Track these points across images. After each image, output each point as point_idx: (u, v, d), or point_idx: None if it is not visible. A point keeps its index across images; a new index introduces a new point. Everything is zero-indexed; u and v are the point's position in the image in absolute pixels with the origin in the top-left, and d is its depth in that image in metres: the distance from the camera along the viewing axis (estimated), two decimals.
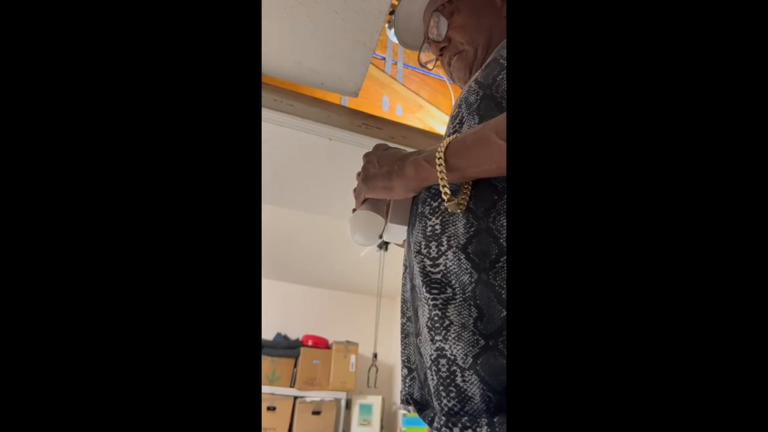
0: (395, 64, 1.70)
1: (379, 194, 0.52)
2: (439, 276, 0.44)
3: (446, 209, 0.46)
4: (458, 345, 0.40)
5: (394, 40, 1.21)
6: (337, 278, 3.14)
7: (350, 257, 2.71)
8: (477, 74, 0.55)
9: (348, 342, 2.95)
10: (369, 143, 1.06)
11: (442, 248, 0.45)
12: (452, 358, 0.40)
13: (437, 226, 0.46)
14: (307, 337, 2.94)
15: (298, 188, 1.27)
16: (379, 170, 0.51)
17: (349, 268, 2.91)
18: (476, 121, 0.50)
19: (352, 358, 2.92)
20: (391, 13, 1.28)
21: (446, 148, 0.45)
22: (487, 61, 0.55)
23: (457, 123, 0.53)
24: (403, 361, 0.52)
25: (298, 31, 0.85)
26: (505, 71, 0.50)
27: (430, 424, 0.42)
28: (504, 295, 0.40)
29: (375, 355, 2.43)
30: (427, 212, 0.48)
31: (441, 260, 0.44)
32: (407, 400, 0.50)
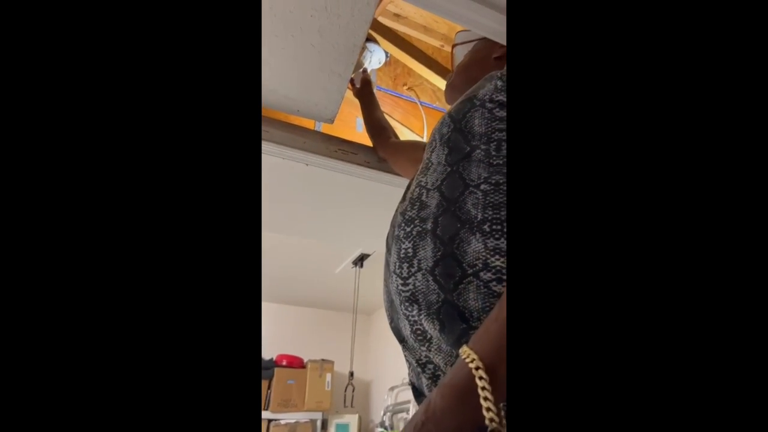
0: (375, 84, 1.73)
1: None
2: (408, 294, 0.48)
3: (418, 234, 0.50)
4: (439, 355, 0.45)
5: (370, 65, 1.25)
6: (312, 295, 3.11)
7: (325, 274, 2.70)
8: (452, 108, 0.59)
9: (323, 360, 2.91)
10: (346, 168, 1.08)
11: (413, 269, 0.48)
12: (437, 365, 0.46)
13: (410, 250, 0.50)
14: (281, 356, 2.88)
15: (274, 211, 1.27)
16: None
17: (324, 285, 2.89)
18: (446, 152, 0.54)
19: (328, 376, 2.89)
20: (368, 40, 1.31)
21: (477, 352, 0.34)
22: (461, 98, 0.59)
23: (429, 151, 0.57)
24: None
25: (274, 62, 0.87)
26: (474, 109, 0.54)
27: None
28: (466, 314, 0.44)
29: (351, 374, 2.41)
30: (401, 236, 0.52)
31: (410, 280, 0.48)
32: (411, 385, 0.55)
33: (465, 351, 0.35)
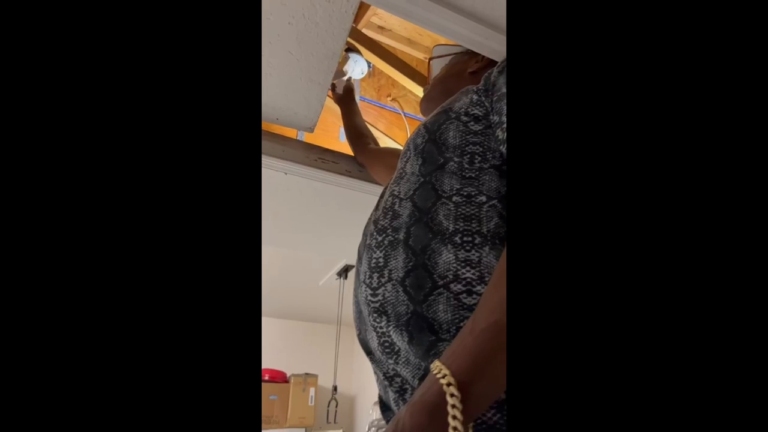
0: (358, 94, 1.74)
1: None
2: (377, 305, 0.47)
3: (390, 243, 0.49)
4: (407, 368, 0.44)
5: (353, 75, 1.25)
6: (296, 308, 3.07)
7: (309, 286, 2.66)
8: (427, 119, 0.58)
9: (307, 374, 2.85)
10: (326, 177, 1.07)
11: (383, 279, 0.47)
12: (405, 378, 0.45)
13: (381, 259, 0.49)
14: (264, 370, 2.82)
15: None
16: None
17: (308, 297, 2.84)
18: (420, 162, 0.53)
19: (311, 391, 2.82)
20: (348, 50, 1.32)
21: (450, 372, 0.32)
22: (437, 110, 0.58)
23: (404, 161, 0.57)
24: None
25: None
26: (449, 121, 0.54)
27: None
28: (435, 326, 0.42)
29: (335, 388, 2.36)
30: (373, 245, 0.51)
31: (380, 290, 0.47)
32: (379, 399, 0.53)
33: (437, 366, 0.33)
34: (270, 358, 2.96)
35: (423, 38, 1.85)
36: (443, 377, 0.32)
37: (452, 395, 0.31)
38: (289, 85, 0.91)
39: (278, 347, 3.10)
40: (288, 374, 2.87)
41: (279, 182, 1.07)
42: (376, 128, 1.72)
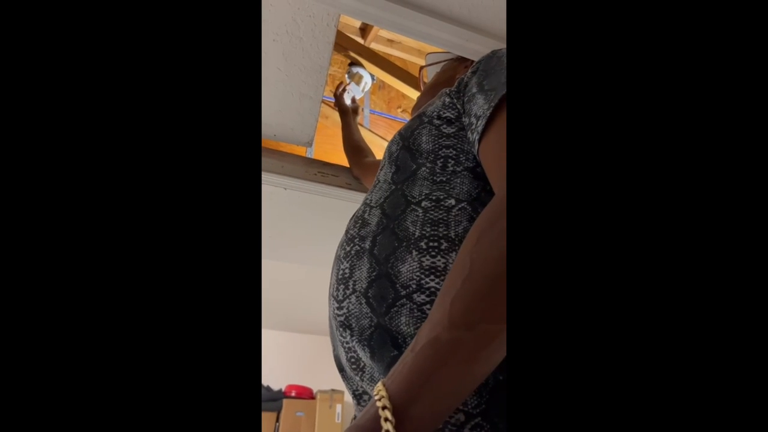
0: (362, 110, 1.75)
1: None
2: (342, 319, 0.45)
3: (356, 253, 0.46)
4: (372, 386, 0.42)
5: (358, 95, 1.24)
6: (318, 323, 3.07)
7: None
8: (403, 126, 0.57)
9: (333, 390, 2.83)
10: (326, 191, 1.07)
11: (348, 291, 0.45)
12: (372, 396, 0.42)
13: (347, 270, 0.47)
14: (291, 387, 2.82)
15: (263, 238, 1.26)
16: None
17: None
18: (393, 170, 0.52)
19: (338, 407, 2.80)
20: (351, 64, 1.33)
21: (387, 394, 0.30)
22: (413, 116, 0.57)
23: (380, 170, 0.55)
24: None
25: None
26: (422, 126, 0.52)
27: None
28: (399, 339, 0.40)
29: None
30: (341, 255, 0.49)
31: (345, 303, 0.45)
32: None
33: (377, 388, 0.31)
34: (296, 374, 2.97)
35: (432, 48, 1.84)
36: (379, 399, 0.30)
37: (386, 419, 0.28)
38: (281, 101, 0.92)
39: (304, 362, 3.10)
40: (314, 390, 2.86)
41: (281, 198, 1.08)
42: (386, 140, 1.71)
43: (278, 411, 2.68)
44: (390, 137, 1.86)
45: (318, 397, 2.79)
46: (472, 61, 0.75)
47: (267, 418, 2.64)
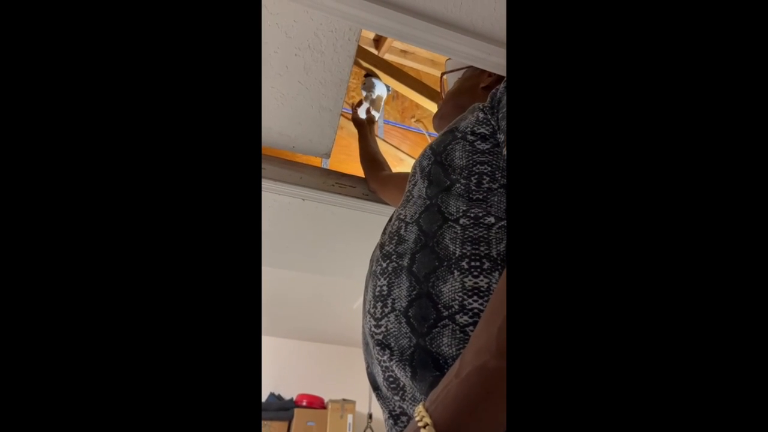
0: (376, 120, 1.76)
1: None
2: (380, 337, 0.44)
3: (393, 270, 0.46)
4: (413, 406, 0.41)
5: (373, 98, 1.26)
6: (331, 332, 3.06)
7: (343, 309, 2.65)
8: (434, 140, 0.57)
9: (344, 400, 2.81)
10: (344, 202, 1.07)
11: (386, 309, 0.45)
12: (412, 416, 0.41)
13: (384, 287, 0.46)
14: (302, 396, 2.81)
15: (279, 248, 1.27)
16: None
17: (342, 321, 2.84)
18: (426, 185, 0.51)
19: (349, 417, 2.78)
20: (367, 75, 1.34)
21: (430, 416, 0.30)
22: (444, 129, 0.57)
23: (411, 184, 0.55)
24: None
25: (266, 100, 0.89)
26: (455, 141, 0.52)
27: None
28: (440, 360, 0.39)
29: (370, 416, 2.31)
30: (378, 272, 0.49)
31: (383, 321, 0.45)
32: None
33: (419, 412, 0.31)
34: (308, 383, 2.96)
35: (445, 58, 1.85)
36: (424, 427, 0.29)
37: None
38: (301, 114, 0.93)
39: (315, 371, 3.09)
40: (325, 400, 2.84)
41: (297, 209, 1.08)
42: (400, 150, 1.72)
43: (289, 420, 2.67)
44: (404, 147, 1.85)
45: (329, 406, 2.77)
46: None
47: (278, 428, 2.62)
